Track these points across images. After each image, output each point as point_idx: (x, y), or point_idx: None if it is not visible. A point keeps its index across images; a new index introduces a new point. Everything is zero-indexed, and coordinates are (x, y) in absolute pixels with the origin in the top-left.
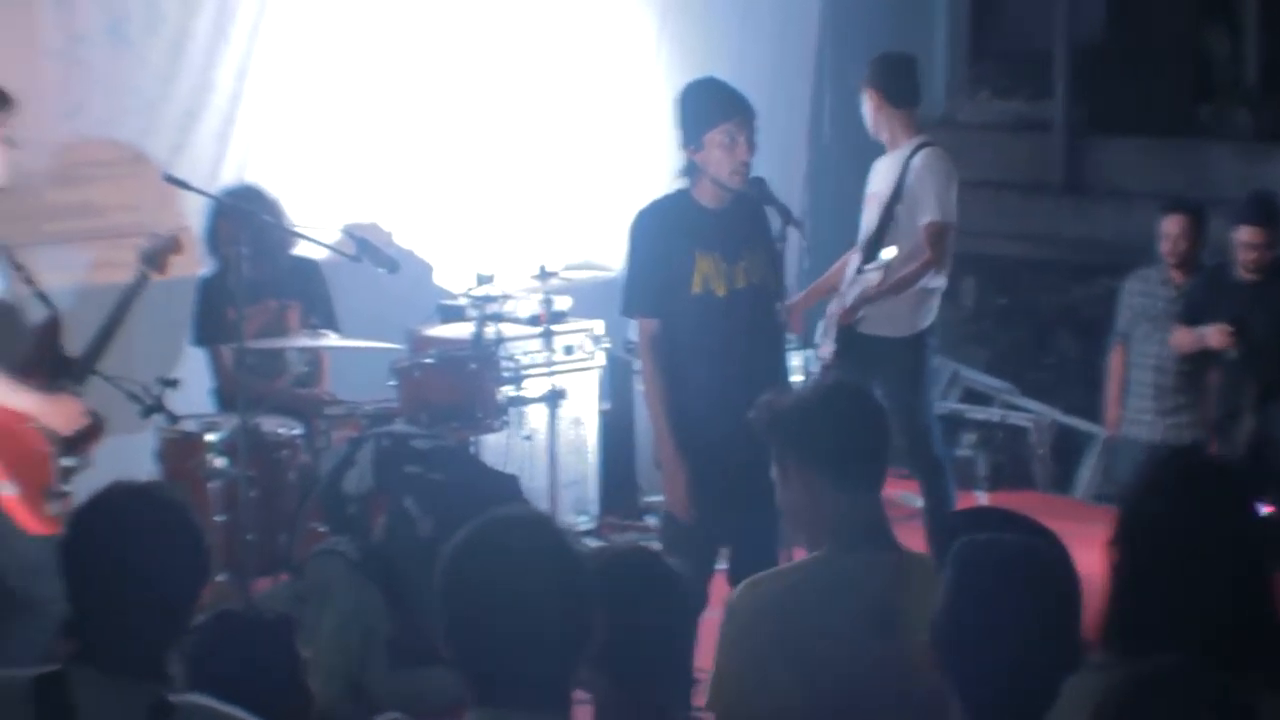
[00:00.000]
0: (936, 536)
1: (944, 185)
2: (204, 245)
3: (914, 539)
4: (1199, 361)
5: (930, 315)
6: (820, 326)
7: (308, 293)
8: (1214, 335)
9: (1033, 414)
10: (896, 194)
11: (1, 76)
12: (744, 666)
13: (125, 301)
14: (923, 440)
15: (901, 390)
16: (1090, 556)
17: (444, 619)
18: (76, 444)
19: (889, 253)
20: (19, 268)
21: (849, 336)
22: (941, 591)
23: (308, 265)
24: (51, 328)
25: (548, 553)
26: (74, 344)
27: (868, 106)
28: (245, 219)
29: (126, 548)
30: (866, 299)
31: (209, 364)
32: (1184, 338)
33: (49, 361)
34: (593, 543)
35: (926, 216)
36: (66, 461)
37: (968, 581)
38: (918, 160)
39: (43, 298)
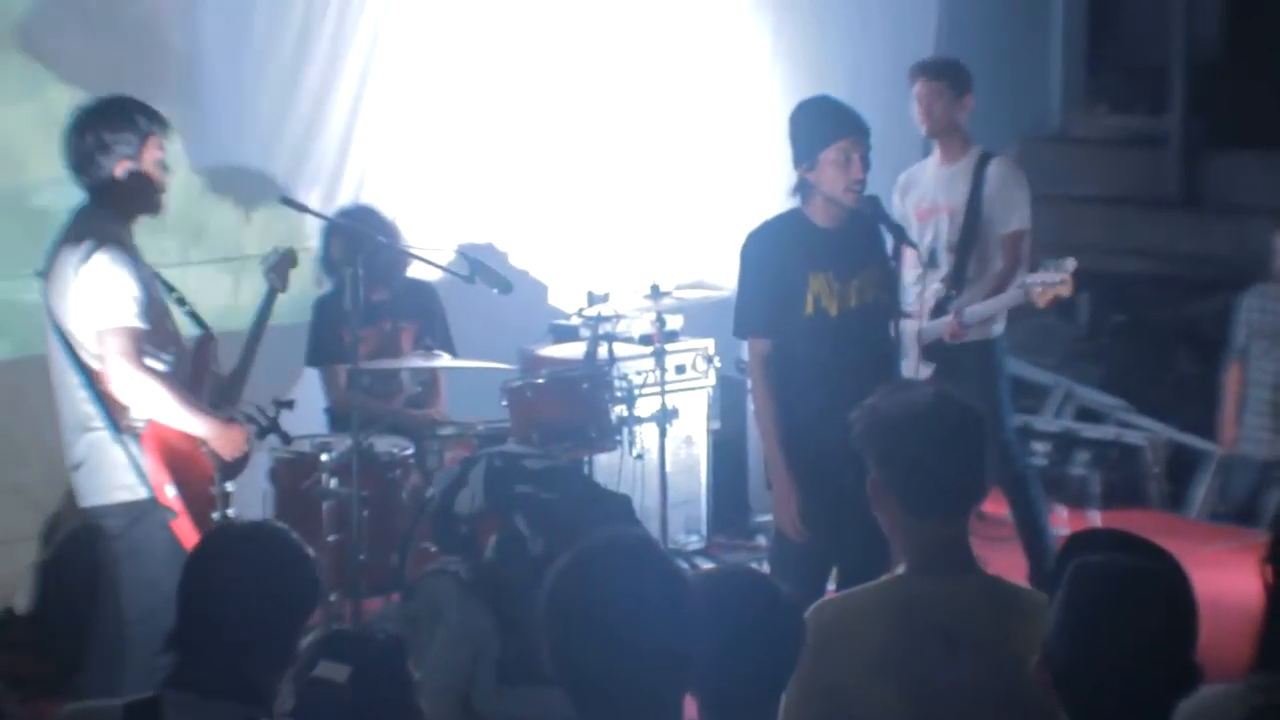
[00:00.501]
0: (1035, 552)
1: (1026, 192)
2: (319, 266)
3: (1021, 558)
4: None
5: (1003, 321)
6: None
7: (423, 314)
8: None
9: (1147, 432)
10: (975, 204)
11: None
12: (812, 689)
13: (261, 319)
14: (1004, 453)
15: (980, 399)
16: (1205, 576)
17: (548, 640)
18: (233, 470)
19: (1070, 264)
20: (171, 289)
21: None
22: (1055, 612)
23: (424, 287)
24: (207, 348)
25: (652, 575)
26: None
27: (941, 108)
28: (359, 240)
29: (236, 581)
30: (986, 313)
31: (322, 384)
32: None
33: (206, 382)
34: (703, 562)
35: (1015, 225)
36: (227, 486)
37: (1082, 603)
38: (997, 169)
39: (196, 318)
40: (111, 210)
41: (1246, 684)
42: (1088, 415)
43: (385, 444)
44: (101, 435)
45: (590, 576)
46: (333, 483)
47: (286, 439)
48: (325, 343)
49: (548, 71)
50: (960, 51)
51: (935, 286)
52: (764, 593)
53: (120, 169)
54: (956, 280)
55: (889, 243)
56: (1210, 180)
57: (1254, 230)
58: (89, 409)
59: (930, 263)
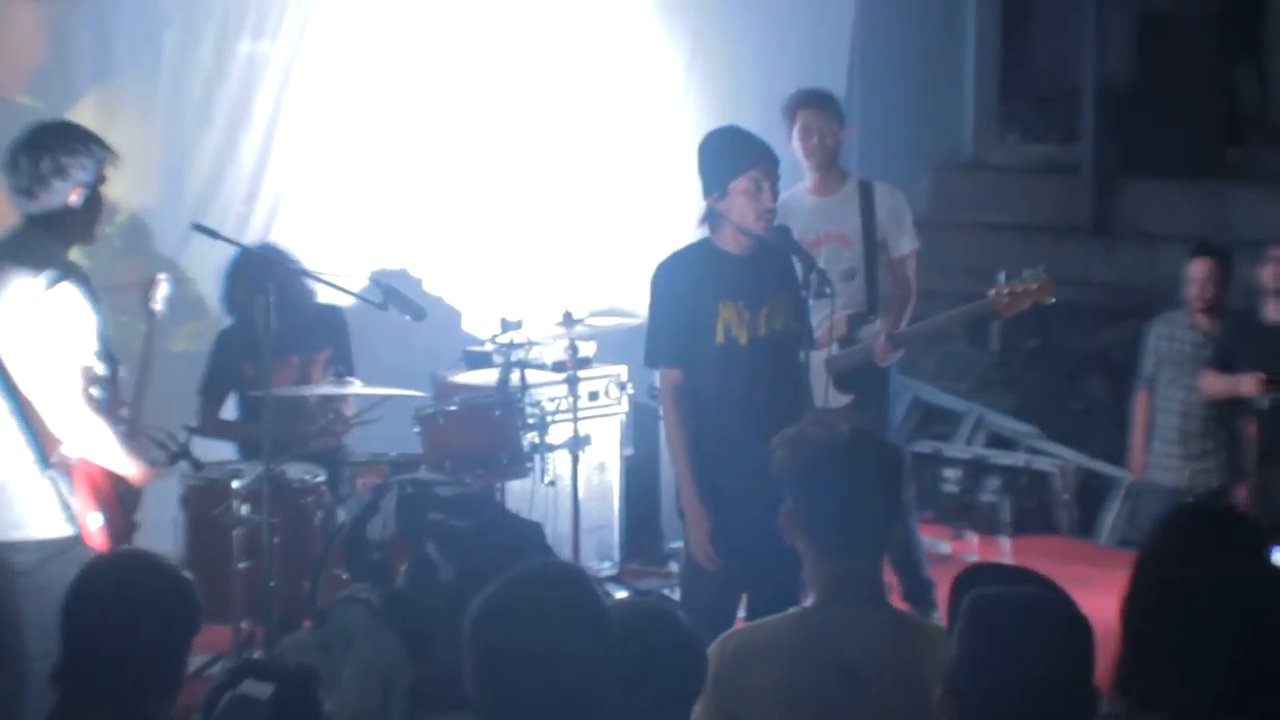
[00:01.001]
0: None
1: (911, 214)
2: (222, 301)
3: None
4: (1226, 407)
5: None
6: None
7: (333, 339)
8: (1248, 383)
9: (1058, 459)
10: (870, 230)
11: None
12: (712, 717)
13: (148, 348)
14: None
15: (875, 419)
16: (1112, 602)
17: (470, 664)
18: (136, 502)
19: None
20: None
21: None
22: (954, 644)
23: (331, 311)
24: (116, 382)
25: (578, 609)
26: None
27: (831, 138)
28: (270, 267)
29: (111, 612)
30: (912, 336)
31: (198, 412)
32: (1216, 383)
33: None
34: (616, 589)
35: (908, 246)
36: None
37: (979, 634)
38: (886, 194)
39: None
40: (53, 236)
41: (1103, 715)
42: (999, 442)
43: (297, 470)
44: (26, 468)
45: (516, 604)
46: (244, 509)
47: (197, 465)
48: (220, 374)
49: (462, 98)
50: (873, 79)
51: (839, 314)
52: (664, 623)
53: (75, 195)
54: (871, 304)
55: (800, 272)
56: (1122, 208)
57: (1165, 258)
58: (16, 438)
59: (820, 292)
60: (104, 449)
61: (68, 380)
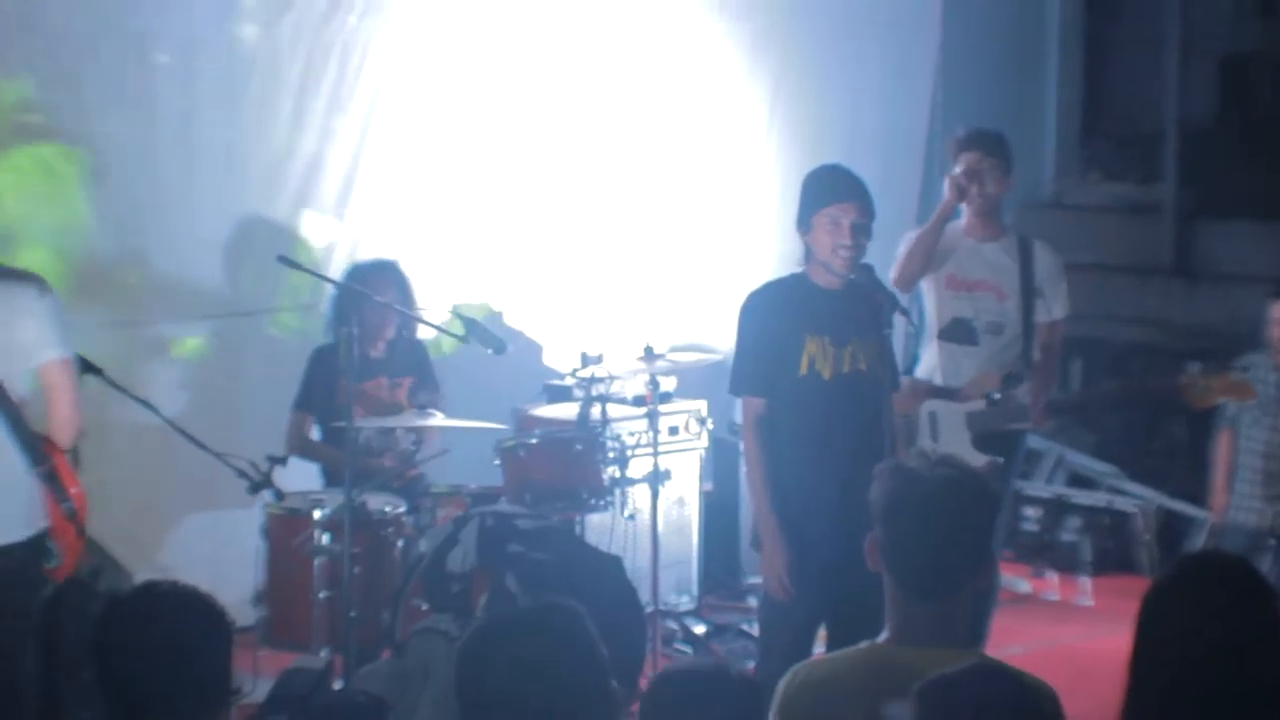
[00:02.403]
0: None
1: (1066, 280)
2: (328, 319)
3: (1015, 623)
4: None
5: None
6: (925, 428)
7: (417, 369)
8: None
9: (1138, 499)
10: (1029, 288)
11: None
12: None
13: None
14: None
15: (999, 482)
16: None
17: (458, 704)
18: None
19: None
20: None
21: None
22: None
23: (417, 344)
24: None
25: (572, 651)
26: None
27: (994, 182)
28: (355, 299)
29: (144, 642)
30: (1074, 404)
31: (287, 429)
32: None
33: None
34: (694, 624)
35: (1059, 312)
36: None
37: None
38: (1046, 255)
39: None
40: None
41: None
42: (1079, 481)
43: (378, 501)
44: (13, 469)
45: (495, 648)
46: (325, 539)
47: (280, 495)
48: (313, 391)
49: (547, 134)
50: (955, 118)
51: (993, 372)
52: (715, 681)
53: None
54: (1025, 363)
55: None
56: (1202, 249)
57: (1245, 299)
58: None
59: (967, 338)
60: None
61: (68, 372)
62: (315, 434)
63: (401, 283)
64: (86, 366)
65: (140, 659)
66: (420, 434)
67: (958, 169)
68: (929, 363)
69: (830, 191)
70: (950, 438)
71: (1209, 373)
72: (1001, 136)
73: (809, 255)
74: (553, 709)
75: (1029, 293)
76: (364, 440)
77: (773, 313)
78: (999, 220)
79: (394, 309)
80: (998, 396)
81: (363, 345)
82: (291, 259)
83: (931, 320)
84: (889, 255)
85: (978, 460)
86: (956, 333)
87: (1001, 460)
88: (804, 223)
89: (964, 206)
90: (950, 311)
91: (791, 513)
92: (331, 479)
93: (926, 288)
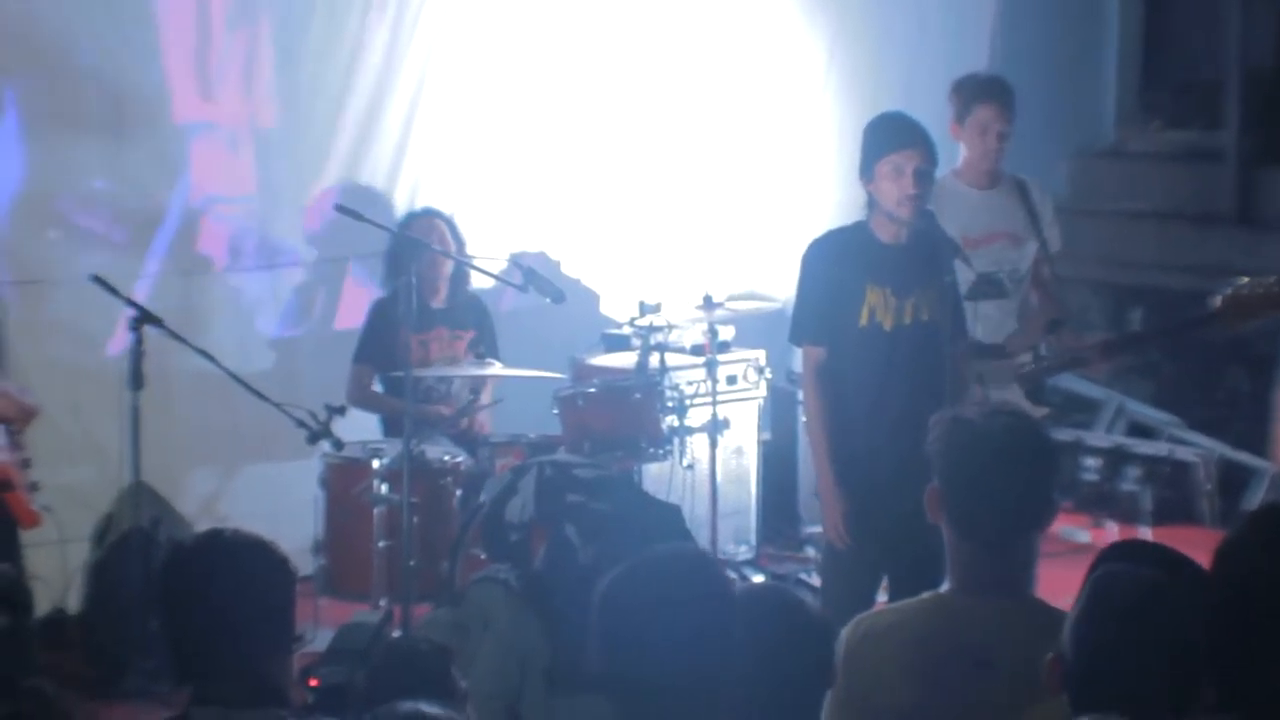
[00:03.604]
0: None
1: None
2: (383, 270)
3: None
4: None
5: None
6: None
7: (478, 324)
8: None
9: (1199, 448)
10: (1039, 231)
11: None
12: (846, 703)
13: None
14: None
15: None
16: None
17: (597, 647)
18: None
19: None
20: None
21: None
22: (1074, 612)
23: (477, 299)
24: None
25: (705, 592)
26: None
27: (997, 133)
28: (414, 248)
29: (220, 591)
30: (1128, 344)
31: (349, 380)
32: None
33: None
34: (752, 573)
35: (1058, 245)
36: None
37: (1095, 611)
38: (1040, 193)
39: None
40: None
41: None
42: (1139, 431)
43: (436, 451)
44: None
45: (643, 586)
46: (384, 489)
47: (338, 444)
48: (373, 344)
49: (603, 82)
50: (1014, 65)
51: (1036, 319)
52: (792, 611)
53: None
54: (1062, 309)
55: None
56: (1265, 196)
57: None
58: None
59: (996, 292)
60: None
61: None
62: (377, 386)
63: (453, 229)
64: (146, 317)
65: (204, 606)
66: (478, 384)
67: (969, 120)
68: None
69: (892, 139)
70: (1003, 394)
71: (1241, 288)
72: (1012, 89)
73: (872, 204)
74: (692, 647)
75: (1040, 234)
76: (424, 390)
77: (834, 262)
78: (998, 167)
79: (448, 254)
80: (1044, 353)
81: (422, 295)
82: (350, 208)
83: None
84: None
85: (1037, 413)
86: (985, 289)
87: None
88: (867, 171)
89: (963, 151)
90: (972, 270)
91: (851, 463)
92: (391, 430)
93: None
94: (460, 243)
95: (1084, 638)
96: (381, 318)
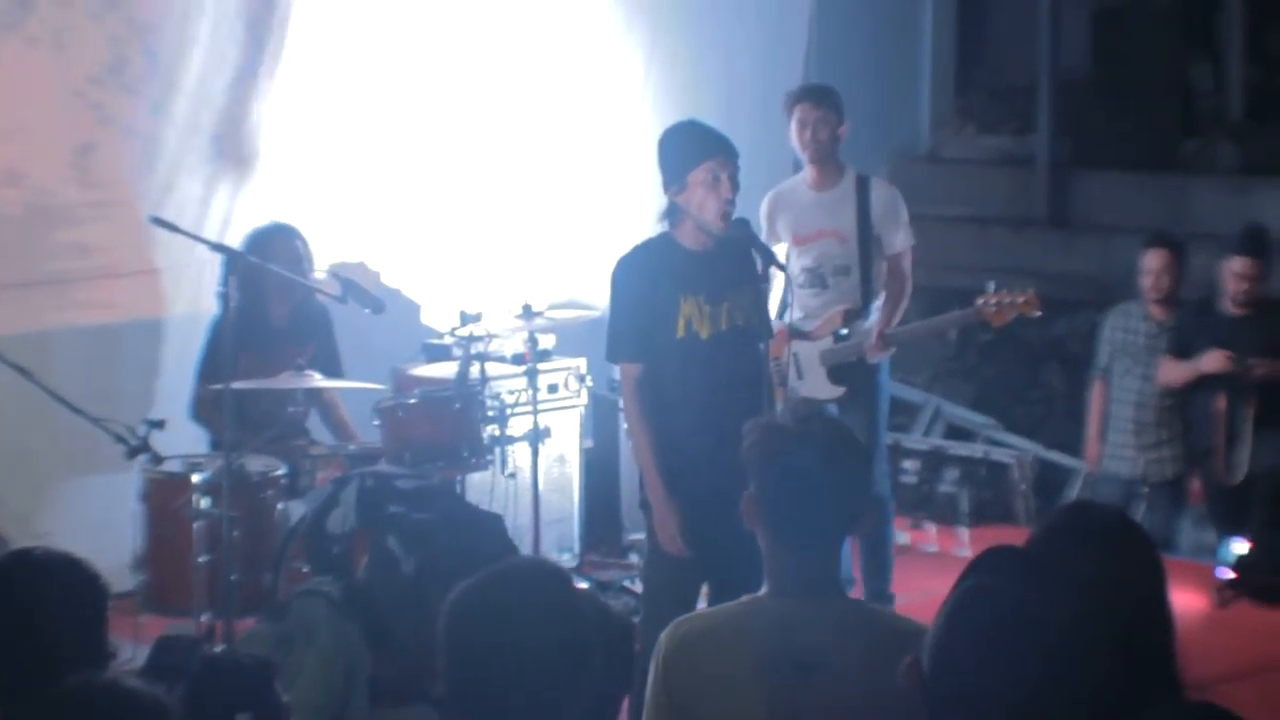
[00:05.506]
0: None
1: (906, 211)
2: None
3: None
4: (1180, 396)
5: None
6: (792, 369)
7: (319, 335)
8: (1210, 360)
9: (1015, 450)
10: (866, 226)
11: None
12: (663, 708)
13: None
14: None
15: (865, 417)
16: None
17: (443, 664)
18: None
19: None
20: None
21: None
22: (935, 627)
23: (320, 309)
24: None
25: (554, 609)
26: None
27: (826, 132)
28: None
29: (18, 604)
30: (902, 336)
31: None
32: (1175, 371)
33: None
34: (577, 581)
35: (902, 244)
36: None
37: (958, 629)
38: (882, 191)
39: None
40: None
41: None
42: (957, 433)
43: (257, 464)
44: None
45: (495, 599)
46: (204, 503)
47: (157, 459)
48: (215, 363)
49: (420, 90)
50: (830, 73)
51: (836, 309)
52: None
53: None
54: (865, 300)
55: (759, 265)
56: (1076, 200)
57: (1119, 249)
58: None
59: (818, 283)
60: None
61: None
62: None
63: (291, 247)
64: None
65: (12, 624)
66: (307, 399)
67: (792, 123)
68: (796, 309)
69: (704, 147)
70: (810, 374)
71: (1000, 290)
72: (830, 89)
73: (675, 214)
74: (541, 663)
75: (865, 231)
76: (262, 409)
77: (644, 277)
78: (836, 166)
79: (270, 269)
80: (844, 333)
81: (261, 313)
82: (166, 220)
83: (792, 272)
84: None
85: (834, 392)
86: (808, 280)
87: (848, 390)
88: (676, 181)
89: (803, 158)
90: (799, 264)
91: (678, 470)
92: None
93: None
94: (299, 258)
95: (945, 656)
96: (219, 336)
